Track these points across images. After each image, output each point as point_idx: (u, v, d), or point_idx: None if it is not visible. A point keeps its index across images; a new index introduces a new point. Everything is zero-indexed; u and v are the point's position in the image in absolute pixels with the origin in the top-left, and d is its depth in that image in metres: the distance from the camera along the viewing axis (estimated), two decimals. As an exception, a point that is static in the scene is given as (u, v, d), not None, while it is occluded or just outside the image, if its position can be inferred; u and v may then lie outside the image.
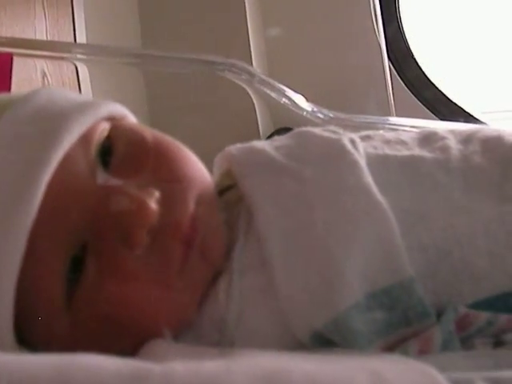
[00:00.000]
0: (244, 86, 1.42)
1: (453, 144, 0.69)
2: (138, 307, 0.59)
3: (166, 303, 0.60)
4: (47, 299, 0.58)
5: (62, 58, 1.52)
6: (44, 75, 1.56)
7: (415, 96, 1.95)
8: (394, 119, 1.39)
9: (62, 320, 0.59)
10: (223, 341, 0.61)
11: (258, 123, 1.71)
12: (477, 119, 1.92)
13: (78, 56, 1.48)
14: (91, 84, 1.67)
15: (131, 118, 0.70)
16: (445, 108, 1.95)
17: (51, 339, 0.60)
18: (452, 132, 0.72)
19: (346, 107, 1.49)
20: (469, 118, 1.92)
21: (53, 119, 0.59)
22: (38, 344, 0.59)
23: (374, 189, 0.62)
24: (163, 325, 0.60)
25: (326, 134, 0.69)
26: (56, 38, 1.65)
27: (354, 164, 0.64)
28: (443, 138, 0.70)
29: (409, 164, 0.66)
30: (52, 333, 0.59)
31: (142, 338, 0.60)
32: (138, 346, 0.59)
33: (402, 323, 0.59)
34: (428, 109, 1.94)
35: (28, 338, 0.59)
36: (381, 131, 0.77)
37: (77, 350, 0.46)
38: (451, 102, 1.96)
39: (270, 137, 1.63)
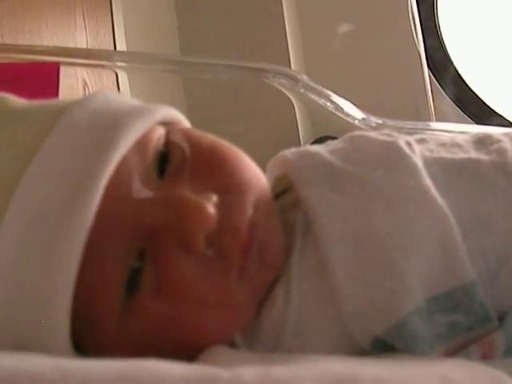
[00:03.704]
0: (286, 92, 1.41)
1: (508, 146, 0.68)
2: (196, 314, 0.58)
3: (224, 310, 0.59)
4: (104, 308, 0.57)
5: (103, 66, 1.53)
6: (85, 84, 1.57)
7: (455, 103, 1.94)
8: (442, 125, 1.37)
9: (117, 328, 0.58)
10: (281, 347, 0.60)
11: (298, 131, 1.70)
12: (517, 126, 1.90)
13: (119, 64, 1.48)
14: (131, 93, 1.67)
15: (185, 123, 0.70)
16: (484, 114, 1.93)
17: (106, 347, 0.59)
18: (506, 135, 0.71)
19: (385, 115, 1.48)
20: (508, 125, 1.90)
21: (109, 124, 0.58)
22: (91, 351, 0.59)
23: (434, 192, 0.61)
24: (221, 333, 0.60)
25: (382, 137, 0.68)
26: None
27: (412, 167, 0.63)
28: (499, 141, 0.69)
29: (466, 167, 0.65)
30: (107, 341, 0.59)
31: (199, 346, 0.59)
32: (195, 353, 0.59)
33: (463, 328, 0.58)
34: (468, 116, 1.93)
35: (82, 345, 0.58)
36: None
37: (133, 358, 0.46)
38: (491, 109, 1.94)
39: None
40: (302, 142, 1.69)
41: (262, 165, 0.70)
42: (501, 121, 1.91)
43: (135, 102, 0.66)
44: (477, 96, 1.93)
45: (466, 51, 1.96)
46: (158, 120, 0.63)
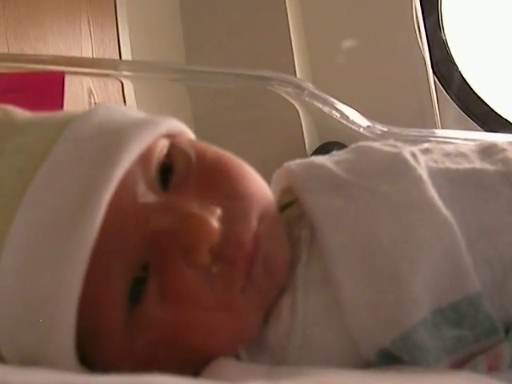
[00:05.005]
0: (291, 100, 1.41)
1: None
2: (201, 325, 0.58)
3: (229, 322, 0.59)
4: (108, 320, 0.57)
5: (108, 75, 1.53)
6: (90, 93, 1.57)
7: (461, 109, 1.94)
8: (448, 133, 1.36)
9: (122, 341, 0.58)
10: (287, 358, 0.60)
11: (303, 139, 1.70)
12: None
13: (124, 73, 1.49)
14: (136, 102, 1.68)
15: (190, 135, 0.70)
16: (491, 121, 1.93)
17: (112, 360, 0.59)
18: (511, 144, 0.71)
19: (390, 121, 1.47)
20: (514, 130, 1.90)
21: (112, 137, 0.58)
22: (97, 364, 0.59)
23: (439, 203, 0.61)
24: (227, 344, 0.60)
25: (386, 148, 0.68)
26: (102, 57, 1.66)
27: (417, 178, 0.63)
28: (503, 150, 0.69)
29: (471, 177, 0.65)
30: (113, 354, 0.59)
31: (205, 357, 0.59)
32: (200, 366, 0.59)
33: (469, 339, 0.58)
34: (474, 122, 1.92)
35: (87, 357, 0.58)
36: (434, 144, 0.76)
37: (136, 370, 0.46)
38: (497, 114, 1.94)
39: (316, 151, 1.62)
40: (307, 151, 1.69)
41: (267, 173, 0.70)
42: (506, 124, 1.90)
43: (139, 115, 0.66)
44: (485, 103, 1.93)
45: (473, 59, 1.96)
46: (161, 132, 0.63)
